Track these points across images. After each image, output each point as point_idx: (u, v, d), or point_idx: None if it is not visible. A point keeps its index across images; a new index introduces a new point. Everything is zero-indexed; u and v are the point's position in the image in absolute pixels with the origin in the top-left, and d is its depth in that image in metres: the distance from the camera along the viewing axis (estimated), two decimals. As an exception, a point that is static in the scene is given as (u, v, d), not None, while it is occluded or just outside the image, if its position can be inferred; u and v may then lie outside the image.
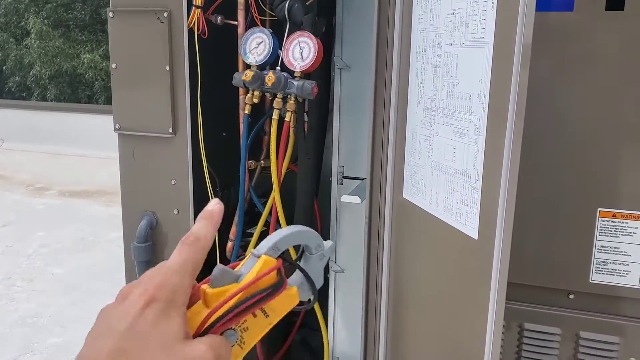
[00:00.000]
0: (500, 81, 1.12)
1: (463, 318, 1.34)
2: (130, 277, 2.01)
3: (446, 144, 1.31)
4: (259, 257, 0.66)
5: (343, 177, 2.06)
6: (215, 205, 0.71)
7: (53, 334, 3.90)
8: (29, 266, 5.08)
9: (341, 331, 2.18)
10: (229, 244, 1.99)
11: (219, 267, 0.64)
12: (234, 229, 1.98)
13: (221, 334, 0.64)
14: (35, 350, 3.70)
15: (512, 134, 1.10)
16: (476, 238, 1.22)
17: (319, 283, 0.74)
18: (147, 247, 1.91)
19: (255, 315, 0.67)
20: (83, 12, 11.94)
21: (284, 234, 0.69)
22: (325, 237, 2.14)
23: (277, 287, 0.66)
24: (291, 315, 2.28)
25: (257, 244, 1.96)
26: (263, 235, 1.94)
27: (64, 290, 4.58)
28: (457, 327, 1.37)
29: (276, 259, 0.67)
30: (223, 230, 2.02)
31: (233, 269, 0.67)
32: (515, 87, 1.09)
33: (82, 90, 11.78)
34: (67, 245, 5.58)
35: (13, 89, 12.50)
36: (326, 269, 2.15)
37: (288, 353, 2.26)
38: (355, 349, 2.14)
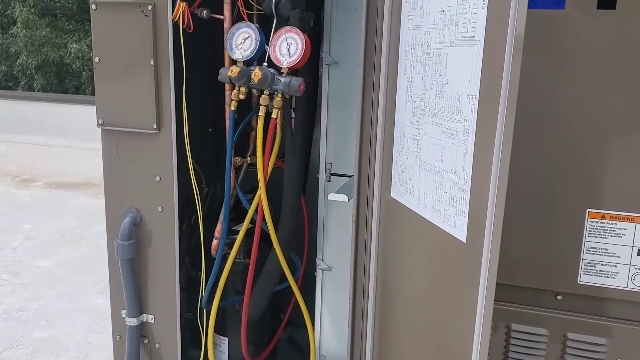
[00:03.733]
0: (490, 82, 1.10)
1: (451, 319, 1.32)
2: (114, 275, 1.98)
3: (435, 144, 1.29)
4: None
5: (331, 174, 2.04)
6: None
7: (38, 327, 3.85)
8: (15, 259, 5.01)
9: (328, 330, 2.16)
10: (214, 242, 1.96)
11: None
12: (219, 226, 1.95)
13: None
14: (21, 345, 3.65)
15: (502, 136, 1.08)
16: (464, 241, 1.20)
17: None
18: (130, 245, 1.87)
19: None
20: (70, 1, 11.75)
21: None
22: (313, 234, 2.14)
23: None
24: (278, 313, 2.26)
25: (242, 241, 1.94)
26: (249, 232, 1.91)
27: (50, 284, 4.52)
28: (444, 328, 1.35)
29: None
30: (209, 228, 1.99)
31: None
32: (505, 89, 1.06)
33: (70, 80, 11.64)
34: (54, 238, 5.51)
35: (-1, 79, 12.35)
36: (313, 268, 2.13)
37: (275, 351, 2.24)
38: (342, 347, 2.12)
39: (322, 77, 1.94)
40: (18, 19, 11.48)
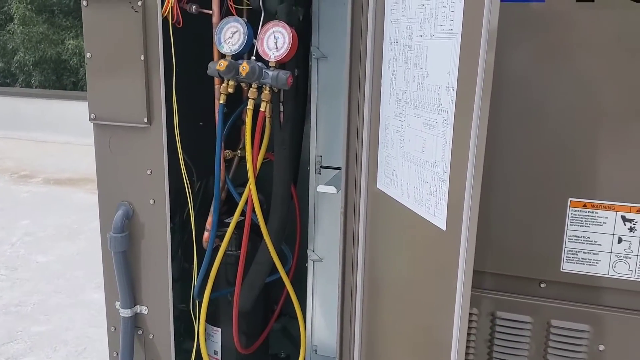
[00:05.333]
0: (467, 73, 1.12)
1: (433, 306, 1.35)
2: (107, 267, 2.01)
3: (416, 135, 1.31)
4: None
5: (321, 166, 2.07)
6: None
7: (37, 322, 3.89)
8: (13, 254, 5.05)
9: (319, 320, 2.19)
10: (205, 234, 1.99)
11: None
12: (210, 219, 1.97)
13: None
14: (19, 339, 3.69)
15: (478, 125, 1.11)
16: (444, 229, 1.23)
17: None
18: (123, 238, 1.90)
19: None
20: (67, -2, 11.78)
21: None
22: (304, 226, 2.16)
23: None
24: (271, 304, 2.29)
25: (233, 233, 1.97)
26: (239, 225, 1.94)
27: (48, 278, 4.55)
28: (428, 315, 1.39)
29: None
30: (201, 222, 2.02)
31: None
32: (481, 80, 1.09)
33: (67, 76, 11.65)
34: (51, 233, 5.55)
35: (-3, 75, 12.36)
36: (305, 259, 2.16)
37: (267, 342, 2.27)
38: (333, 337, 2.16)
39: (312, 71, 1.96)
40: (15, 16, 11.48)
